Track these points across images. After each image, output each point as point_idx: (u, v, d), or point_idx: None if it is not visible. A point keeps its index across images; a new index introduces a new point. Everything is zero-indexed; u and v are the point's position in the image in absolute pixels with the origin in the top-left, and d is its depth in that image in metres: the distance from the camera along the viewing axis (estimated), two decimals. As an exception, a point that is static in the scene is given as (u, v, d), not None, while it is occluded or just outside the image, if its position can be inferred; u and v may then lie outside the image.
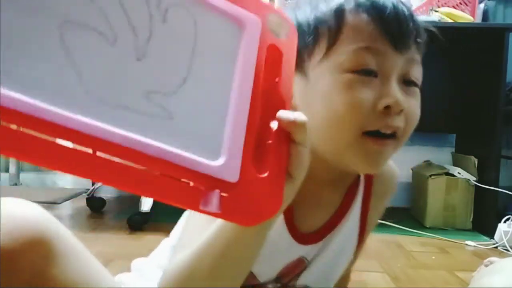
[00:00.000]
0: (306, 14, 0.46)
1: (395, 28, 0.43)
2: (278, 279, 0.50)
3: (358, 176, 0.52)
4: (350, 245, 0.55)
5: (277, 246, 0.46)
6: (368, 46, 0.42)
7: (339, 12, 0.44)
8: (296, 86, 0.43)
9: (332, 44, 0.44)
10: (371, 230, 0.57)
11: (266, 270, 0.48)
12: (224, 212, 0.29)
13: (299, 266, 0.50)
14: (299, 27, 0.45)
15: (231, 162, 0.30)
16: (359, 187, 0.53)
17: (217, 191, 0.28)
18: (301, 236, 0.48)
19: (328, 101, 0.42)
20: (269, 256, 0.44)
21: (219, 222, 0.35)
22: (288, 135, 0.32)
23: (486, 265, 0.99)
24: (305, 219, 0.49)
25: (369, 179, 0.53)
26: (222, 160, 0.29)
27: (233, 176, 0.29)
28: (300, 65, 0.44)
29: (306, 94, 0.44)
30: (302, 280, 0.52)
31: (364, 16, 0.43)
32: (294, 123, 0.31)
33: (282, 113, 0.31)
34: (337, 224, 0.51)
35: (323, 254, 0.51)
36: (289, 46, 0.34)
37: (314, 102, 0.43)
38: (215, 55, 0.31)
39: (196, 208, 0.28)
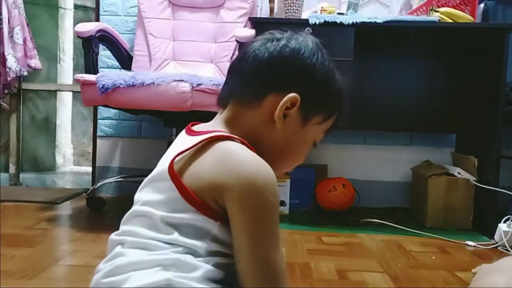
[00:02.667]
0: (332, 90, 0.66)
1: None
2: None
3: None
4: None
5: None
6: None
7: (339, 108, 0.68)
8: (295, 125, 0.64)
9: (323, 121, 0.67)
10: None
11: None
12: None
13: None
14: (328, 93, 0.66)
15: None
16: None
17: None
18: None
19: (299, 144, 0.68)
20: None
21: None
22: None
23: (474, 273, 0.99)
24: None
25: None
26: None
27: None
28: (308, 117, 0.65)
29: (295, 132, 0.65)
30: None
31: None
32: None
33: None
34: None
35: None
36: None
37: (293, 139, 0.66)
38: None
39: None
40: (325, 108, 0.66)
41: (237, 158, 0.56)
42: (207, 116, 0.73)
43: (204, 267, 0.54)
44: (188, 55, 2.02)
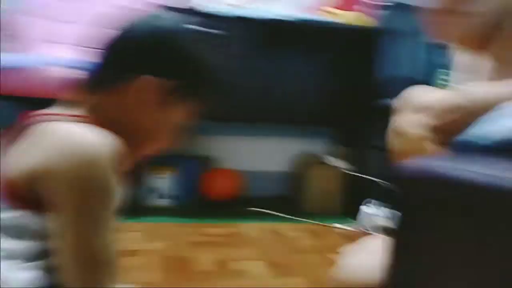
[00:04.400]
0: None
1: None
2: None
3: None
4: None
5: None
6: None
7: (205, 88, 0.68)
8: (162, 108, 0.63)
9: (189, 102, 0.66)
10: None
11: None
12: None
13: None
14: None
15: None
16: None
17: None
18: None
19: (166, 126, 0.67)
20: None
21: None
22: None
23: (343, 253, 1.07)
24: None
25: None
26: None
27: None
28: (175, 99, 0.63)
29: (162, 115, 0.64)
30: None
31: None
32: None
33: None
34: None
35: None
36: None
37: (160, 121, 0.65)
38: None
39: None
40: (191, 89, 0.65)
41: (57, 135, 0.51)
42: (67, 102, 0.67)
43: (26, 277, 0.48)
44: (51, 36, 1.85)
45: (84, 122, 0.55)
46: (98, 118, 0.57)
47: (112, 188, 0.51)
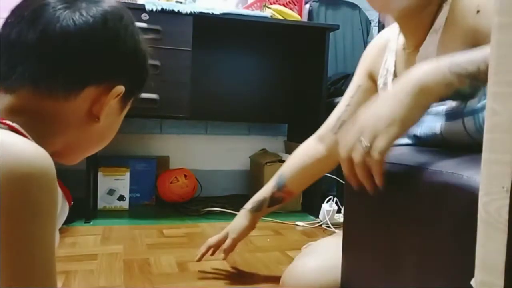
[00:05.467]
0: None
1: None
2: None
3: None
4: None
5: None
6: None
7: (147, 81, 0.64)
8: (115, 113, 0.59)
9: (136, 98, 0.63)
10: None
11: None
12: None
13: None
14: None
15: None
16: None
17: None
18: None
19: (115, 127, 0.63)
20: None
21: None
22: None
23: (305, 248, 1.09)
24: None
25: None
26: None
27: None
28: (127, 101, 0.61)
29: (114, 119, 0.61)
30: None
31: None
32: None
33: None
34: None
35: None
36: None
37: (112, 125, 0.61)
38: None
39: None
40: (140, 88, 0.62)
41: None
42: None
43: None
44: None
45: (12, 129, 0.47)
46: (33, 126, 0.50)
47: (54, 204, 0.44)
